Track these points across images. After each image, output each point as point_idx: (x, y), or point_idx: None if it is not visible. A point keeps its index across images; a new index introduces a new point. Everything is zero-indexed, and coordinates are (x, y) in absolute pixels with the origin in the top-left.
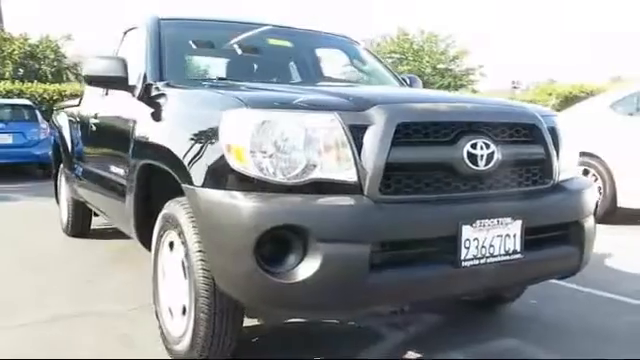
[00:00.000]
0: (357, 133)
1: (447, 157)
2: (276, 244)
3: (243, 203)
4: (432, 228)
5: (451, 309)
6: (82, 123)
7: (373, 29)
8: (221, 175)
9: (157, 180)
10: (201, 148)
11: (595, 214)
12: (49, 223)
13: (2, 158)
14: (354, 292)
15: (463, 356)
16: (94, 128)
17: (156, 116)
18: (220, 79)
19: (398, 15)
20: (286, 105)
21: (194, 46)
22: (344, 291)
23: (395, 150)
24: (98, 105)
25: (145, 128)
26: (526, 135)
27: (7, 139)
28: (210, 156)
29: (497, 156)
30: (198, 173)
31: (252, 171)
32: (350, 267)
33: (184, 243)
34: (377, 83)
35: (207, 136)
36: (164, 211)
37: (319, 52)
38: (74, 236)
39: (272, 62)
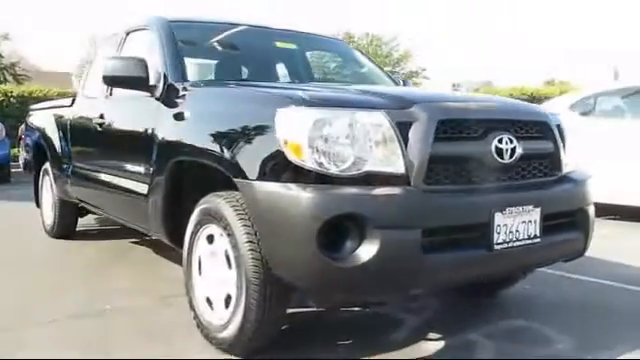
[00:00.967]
0: (402, 129)
1: (478, 151)
2: (336, 231)
3: (305, 194)
4: (469, 215)
5: (455, 296)
6: (80, 124)
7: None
8: (279, 168)
9: (187, 177)
10: (254, 144)
11: None
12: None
13: None
14: (407, 274)
15: (479, 336)
16: (99, 128)
17: (189, 114)
18: (241, 80)
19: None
20: (338, 104)
21: (205, 47)
22: (399, 273)
23: (436, 144)
24: (102, 105)
25: (176, 127)
26: (539, 131)
27: None
28: (265, 151)
29: (518, 150)
30: (253, 167)
31: (310, 164)
32: (404, 251)
33: (230, 235)
34: (379, 83)
35: (260, 132)
36: (202, 206)
37: (321, 54)
38: (59, 238)
39: (281, 64)
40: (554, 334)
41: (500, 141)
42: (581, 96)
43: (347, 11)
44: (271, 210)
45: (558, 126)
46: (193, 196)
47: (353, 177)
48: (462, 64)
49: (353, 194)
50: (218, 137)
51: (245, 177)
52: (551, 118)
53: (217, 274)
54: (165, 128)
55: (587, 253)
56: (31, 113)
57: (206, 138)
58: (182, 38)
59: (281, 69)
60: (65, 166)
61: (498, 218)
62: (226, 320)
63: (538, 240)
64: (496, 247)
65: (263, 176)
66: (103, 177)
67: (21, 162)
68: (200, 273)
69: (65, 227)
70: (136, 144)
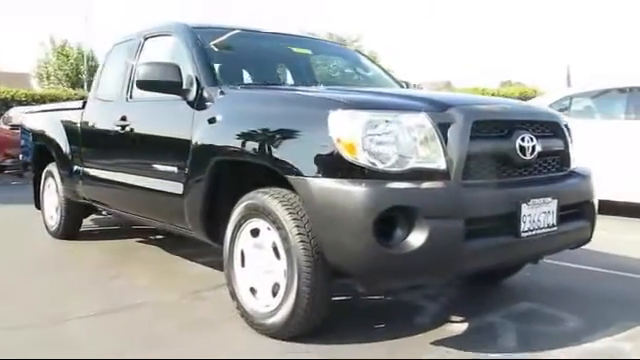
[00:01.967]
0: (442, 129)
1: (505, 148)
2: (389, 222)
3: (362, 188)
4: (501, 206)
5: (462, 284)
6: (94, 126)
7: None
8: (334, 166)
9: (226, 176)
10: (307, 143)
11: None
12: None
13: None
14: (451, 259)
15: (497, 318)
16: (120, 130)
17: (231, 116)
18: (269, 84)
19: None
20: (385, 107)
21: (227, 52)
22: (443, 258)
23: (471, 143)
24: (123, 108)
25: (216, 128)
26: (552, 131)
27: None
28: (320, 150)
29: (537, 148)
30: (308, 165)
31: (362, 162)
32: (449, 238)
33: (280, 228)
34: (387, 86)
35: (313, 133)
36: (247, 202)
37: (333, 59)
38: (64, 238)
39: (299, 68)
40: (563, 315)
41: (523, 139)
42: (558, 97)
43: (309, 10)
44: (328, 204)
45: (566, 126)
46: (230, 194)
47: (401, 173)
48: (420, 64)
49: (404, 188)
50: (267, 137)
51: (300, 174)
52: (561, 119)
53: (263, 265)
54: (203, 130)
55: None
56: (26, 116)
57: (253, 138)
58: (205, 44)
59: (298, 73)
60: (76, 167)
61: (524, 209)
62: (274, 307)
63: (555, 228)
64: (522, 234)
65: (318, 173)
66: (125, 178)
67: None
68: (243, 265)
69: (70, 228)
70: (168, 145)
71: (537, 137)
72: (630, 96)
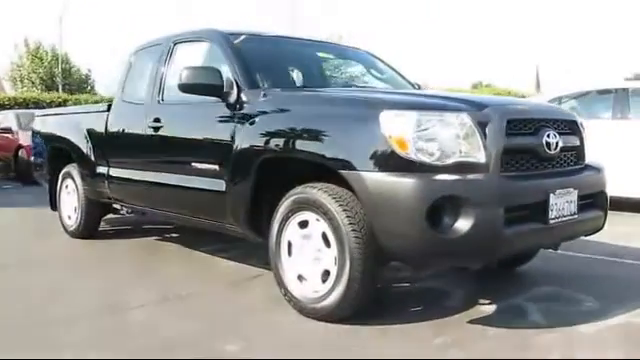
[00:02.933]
0: (481, 127)
1: (533, 144)
2: (439, 210)
3: (416, 180)
4: (533, 195)
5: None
6: (123, 128)
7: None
8: (387, 161)
9: (270, 173)
10: (360, 141)
11: None
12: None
13: None
14: (494, 243)
15: (522, 300)
16: (154, 132)
17: (279, 117)
18: (303, 86)
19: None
20: (431, 107)
21: (261, 57)
22: (488, 242)
23: (506, 139)
24: (155, 110)
25: (262, 128)
26: (570, 128)
27: None
28: (373, 146)
29: (560, 143)
30: (362, 160)
31: (413, 156)
32: (492, 224)
33: (332, 219)
34: (401, 87)
35: (365, 131)
36: (295, 196)
37: (353, 62)
38: (84, 238)
39: (325, 71)
40: (580, 296)
41: (548, 136)
42: (549, 98)
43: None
44: (384, 195)
45: (581, 124)
46: (273, 190)
47: (447, 166)
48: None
49: (453, 180)
50: (318, 136)
51: (353, 169)
52: (578, 118)
53: (311, 253)
54: (248, 130)
55: None
56: (39, 119)
57: (304, 137)
58: (241, 48)
59: (324, 75)
60: (101, 168)
61: (552, 198)
62: (325, 292)
63: (576, 216)
64: (550, 221)
65: (373, 167)
66: (160, 177)
67: None
68: (290, 254)
69: (91, 227)
70: (208, 145)
71: (559, 134)
72: (616, 97)
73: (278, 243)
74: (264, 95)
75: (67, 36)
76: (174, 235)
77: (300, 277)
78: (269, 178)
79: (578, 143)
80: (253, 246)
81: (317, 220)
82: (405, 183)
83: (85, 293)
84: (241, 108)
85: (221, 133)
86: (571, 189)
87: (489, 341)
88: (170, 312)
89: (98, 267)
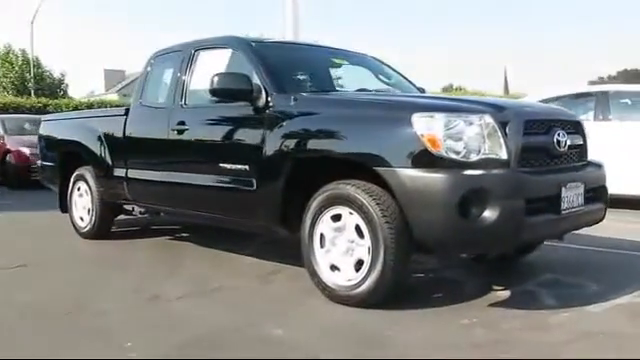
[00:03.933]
0: (502, 127)
1: (546, 142)
2: (468, 201)
3: (448, 175)
4: (549, 189)
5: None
6: (144, 131)
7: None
8: (420, 158)
9: (303, 171)
10: (394, 140)
11: None
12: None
13: None
14: (516, 231)
15: (533, 286)
16: (178, 135)
17: (311, 119)
18: (326, 90)
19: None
20: (458, 109)
21: (284, 62)
22: (511, 230)
23: (524, 137)
24: (179, 114)
25: (295, 129)
26: (575, 128)
27: None
28: (406, 145)
29: (568, 142)
30: (395, 157)
31: (444, 154)
32: (515, 215)
33: (366, 212)
34: (409, 90)
35: (398, 131)
36: (328, 192)
37: (364, 68)
38: (97, 239)
39: (345, 76)
40: (583, 282)
41: (558, 135)
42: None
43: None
44: (417, 189)
45: (583, 125)
46: (304, 187)
47: (473, 162)
48: None
49: (480, 174)
50: (353, 136)
51: (388, 165)
52: (581, 119)
53: (344, 244)
54: (280, 132)
55: None
56: (46, 124)
57: (339, 137)
58: (266, 55)
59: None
60: (118, 170)
61: (563, 191)
62: (358, 280)
63: (583, 208)
64: (562, 212)
65: (407, 164)
66: (185, 178)
67: None
68: (322, 246)
69: (104, 228)
70: (237, 146)
71: (567, 133)
72: (597, 100)
73: (311, 236)
74: (294, 99)
75: (39, 40)
76: (184, 235)
77: (333, 267)
78: (300, 176)
79: (582, 142)
80: (265, 243)
81: (350, 214)
82: (438, 178)
83: (122, 288)
84: (270, 112)
85: (250, 135)
86: (579, 183)
87: (512, 321)
88: (209, 303)
89: (123, 265)
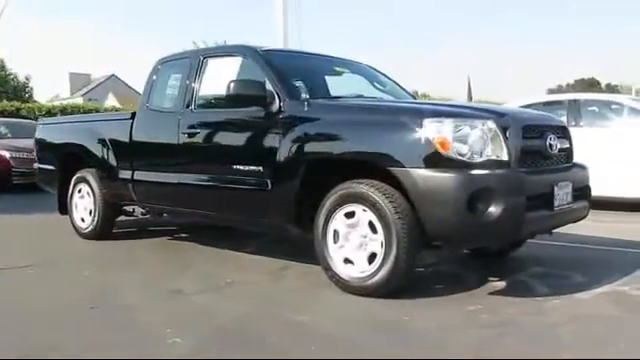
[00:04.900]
0: (503, 131)
1: (539, 145)
2: (475, 198)
3: (456, 175)
4: (544, 187)
5: (478, 257)
6: (151, 134)
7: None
8: (432, 159)
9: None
10: (407, 143)
11: None
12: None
13: None
14: (518, 226)
15: (525, 277)
16: (188, 138)
17: (327, 123)
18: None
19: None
20: (464, 115)
21: (293, 70)
22: (514, 225)
23: (522, 141)
24: (190, 118)
25: (310, 133)
26: (562, 133)
27: None
28: (418, 148)
29: (558, 145)
30: (409, 159)
31: (453, 155)
32: (517, 211)
33: (379, 209)
34: (402, 96)
35: (411, 135)
36: (342, 191)
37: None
38: (98, 239)
39: (345, 83)
40: (569, 274)
41: (550, 139)
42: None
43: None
44: (430, 187)
45: (569, 130)
46: (314, 187)
47: (479, 163)
48: None
49: (487, 173)
50: (368, 139)
51: (402, 166)
52: (566, 125)
53: (357, 239)
54: (294, 135)
55: None
56: (45, 127)
57: (354, 140)
58: (276, 63)
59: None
60: (124, 172)
61: (556, 189)
62: (372, 272)
63: (572, 205)
64: (555, 209)
65: (419, 164)
66: (196, 179)
67: None
68: (335, 241)
69: (106, 228)
70: (251, 149)
71: (557, 137)
72: (569, 107)
73: (324, 233)
74: (308, 105)
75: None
76: (182, 235)
77: (346, 260)
78: (313, 177)
79: (568, 145)
80: (266, 241)
81: (364, 211)
82: (448, 177)
83: (137, 285)
84: (284, 116)
85: (264, 138)
86: (568, 182)
87: (512, 306)
88: (227, 296)
89: (132, 264)
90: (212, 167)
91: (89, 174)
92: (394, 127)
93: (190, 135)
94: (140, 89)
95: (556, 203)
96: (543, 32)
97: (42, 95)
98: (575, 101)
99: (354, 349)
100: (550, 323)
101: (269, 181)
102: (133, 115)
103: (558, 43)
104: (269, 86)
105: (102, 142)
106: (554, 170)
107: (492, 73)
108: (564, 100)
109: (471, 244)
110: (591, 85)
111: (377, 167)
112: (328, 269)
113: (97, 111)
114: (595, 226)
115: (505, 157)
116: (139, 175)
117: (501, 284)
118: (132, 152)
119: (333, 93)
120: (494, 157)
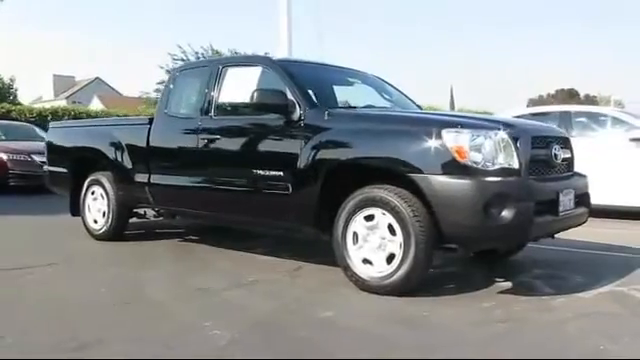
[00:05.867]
0: (514, 141)
1: (546, 155)
2: (491, 203)
3: (473, 181)
4: (551, 194)
5: (477, 260)
6: (170, 139)
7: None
8: (450, 166)
9: (337, 177)
10: (426, 151)
11: None
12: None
13: None
14: (528, 229)
15: (528, 278)
16: (207, 143)
17: (349, 132)
18: (350, 106)
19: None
20: (478, 126)
21: (310, 80)
22: (524, 228)
23: (532, 151)
24: (209, 124)
25: (332, 140)
26: (564, 144)
27: None
28: (437, 156)
29: (562, 155)
30: (428, 166)
31: (470, 163)
32: (527, 215)
33: (398, 212)
34: (409, 107)
35: (431, 143)
36: (362, 195)
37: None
38: (111, 240)
39: (354, 93)
40: (569, 275)
41: (555, 149)
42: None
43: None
44: (448, 193)
45: (570, 141)
46: (334, 192)
47: (493, 170)
48: None
49: (500, 180)
50: (389, 147)
51: (421, 172)
52: (569, 136)
53: (376, 241)
54: (316, 142)
55: None
56: (57, 130)
57: (375, 148)
58: (295, 73)
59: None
60: (140, 176)
61: (561, 196)
62: (390, 272)
63: (574, 211)
64: (560, 214)
65: (438, 171)
66: (216, 183)
67: None
68: (355, 243)
69: (120, 230)
70: (272, 154)
71: (561, 147)
72: (560, 117)
73: (344, 235)
74: (329, 114)
75: None
76: (193, 237)
77: (365, 260)
78: (333, 182)
79: (570, 155)
80: (273, 243)
81: (383, 214)
82: (466, 184)
83: (163, 282)
84: (305, 124)
85: (285, 144)
86: (571, 189)
87: (522, 304)
88: (253, 293)
89: (151, 263)
90: (232, 171)
91: (103, 177)
92: (413, 136)
93: (210, 140)
94: (124, 92)
95: (561, 209)
96: (523, 42)
97: (24, 97)
98: (567, 112)
99: (388, 343)
100: (558, 319)
101: (290, 185)
102: (150, 120)
103: (538, 54)
104: (290, 95)
105: (119, 146)
106: (558, 178)
107: (473, 82)
108: (555, 111)
109: (484, 245)
110: (570, 96)
111: (396, 173)
112: (347, 269)
113: (96, 116)
114: (588, 232)
115: (516, 165)
116: (156, 178)
117: (507, 284)
118: (149, 156)
119: (343, 103)
120: (506, 165)
